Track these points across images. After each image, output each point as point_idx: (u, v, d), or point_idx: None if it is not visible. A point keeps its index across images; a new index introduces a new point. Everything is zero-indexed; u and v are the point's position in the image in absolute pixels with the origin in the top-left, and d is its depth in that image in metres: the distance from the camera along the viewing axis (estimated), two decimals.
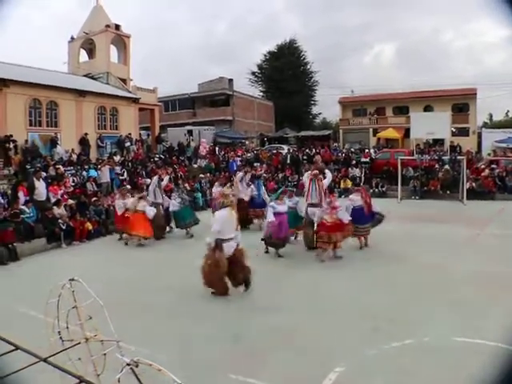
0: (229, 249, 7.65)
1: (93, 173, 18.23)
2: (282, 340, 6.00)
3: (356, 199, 11.34)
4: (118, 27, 29.86)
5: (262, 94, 51.23)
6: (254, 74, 52.55)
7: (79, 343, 2.69)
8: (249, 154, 29.73)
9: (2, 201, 13.25)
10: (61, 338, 2.80)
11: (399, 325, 6.30)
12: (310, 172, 14.18)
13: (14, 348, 2.39)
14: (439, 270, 8.91)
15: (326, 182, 11.69)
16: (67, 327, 2.88)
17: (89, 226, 13.76)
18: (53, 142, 20.45)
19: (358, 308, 7.03)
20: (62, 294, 2.90)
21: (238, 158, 27.53)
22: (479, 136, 34.56)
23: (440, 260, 9.61)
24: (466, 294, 7.37)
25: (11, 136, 18.43)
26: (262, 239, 10.69)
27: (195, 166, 25.22)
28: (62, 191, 15.16)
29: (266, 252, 10.82)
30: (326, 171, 12.73)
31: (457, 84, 37.99)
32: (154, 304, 7.52)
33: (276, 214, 10.28)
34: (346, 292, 7.88)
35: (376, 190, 21.76)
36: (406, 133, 35.77)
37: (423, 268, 9.13)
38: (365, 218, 11.05)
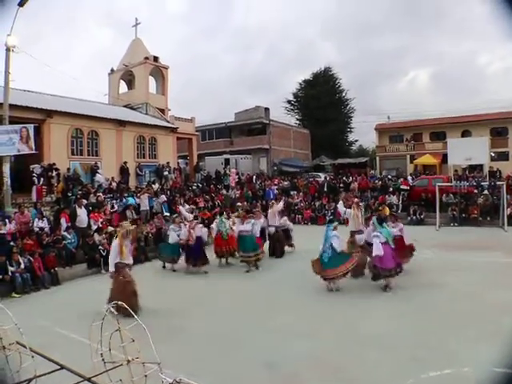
0: None
1: (131, 200, 18.30)
2: (320, 368, 5.81)
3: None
4: (156, 59, 30.63)
5: (298, 122, 51.31)
6: (289, 102, 52.85)
7: (121, 365, 2.80)
8: (285, 183, 29.53)
9: (46, 227, 13.38)
10: (103, 359, 2.90)
11: (437, 354, 6.00)
12: (344, 200, 14.04)
13: (59, 367, 2.45)
14: (478, 298, 8.46)
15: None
16: (110, 349, 2.98)
17: None
18: (93, 171, 20.76)
19: (395, 336, 6.80)
20: (106, 316, 2.96)
21: (275, 187, 27.37)
22: None
23: (479, 288, 9.15)
24: (506, 323, 6.85)
25: (54, 164, 18.85)
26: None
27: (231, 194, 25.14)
28: (102, 219, 15.22)
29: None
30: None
31: (494, 108, 36.87)
32: (191, 328, 7.49)
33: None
34: (383, 320, 7.60)
35: (414, 217, 21.20)
36: (444, 159, 35.02)
37: (462, 296, 8.73)
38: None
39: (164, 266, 13.37)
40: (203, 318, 7.98)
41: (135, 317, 3.07)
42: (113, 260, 8.55)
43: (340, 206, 12.19)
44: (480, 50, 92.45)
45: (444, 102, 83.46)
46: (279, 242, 14.24)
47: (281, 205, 15.67)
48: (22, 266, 10.95)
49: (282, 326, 7.45)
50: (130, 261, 8.93)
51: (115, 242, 8.57)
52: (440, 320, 7.39)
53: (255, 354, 6.33)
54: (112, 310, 3.25)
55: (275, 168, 38.57)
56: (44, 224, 13.55)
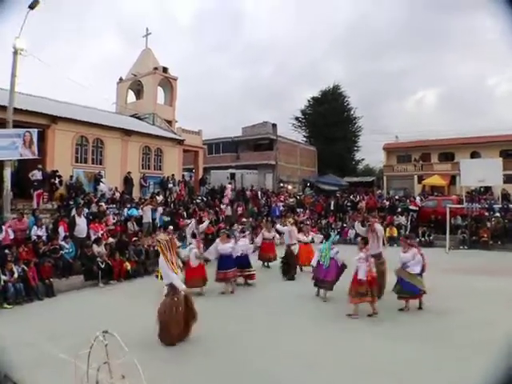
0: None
1: (134, 212, 17.83)
2: None
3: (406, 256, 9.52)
4: (165, 70, 30.49)
5: (305, 139, 51.07)
6: (297, 119, 52.69)
7: None
8: (291, 200, 29.07)
9: (42, 235, 12.93)
10: None
11: None
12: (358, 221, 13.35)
13: None
14: (492, 326, 7.77)
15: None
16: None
17: (127, 265, 13.27)
18: (97, 179, 20.35)
19: (405, 368, 6.12)
20: (93, 345, 2.74)
21: (281, 204, 26.91)
22: None
23: (493, 316, 8.50)
24: None
25: (57, 171, 18.46)
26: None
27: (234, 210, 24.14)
28: (102, 230, 14.72)
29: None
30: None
31: (504, 129, 36.68)
32: (191, 351, 6.92)
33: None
34: (391, 348, 6.94)
35: (423, 239, 20.72)
36: (452, 180, 34.72)
37: (475, 324, 8.06)
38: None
39: None
40: (203, 340, 7.35)
41: (125, 349, 2.61)
42: (175, 277, 7.31)
43: (357, 227, 11.49)
44: (488, 71, 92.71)
45: (452, 123, 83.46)
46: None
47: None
48: (16, 275, 10.40)
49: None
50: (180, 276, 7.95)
51: (161, 261, 7.44)
52: (452, 349, 6.75)
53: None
54: (101, 338, 2.84)
55: (308, 185, 38.17)
56: (42, 232, 13.08)
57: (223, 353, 6.81)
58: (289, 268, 13.00)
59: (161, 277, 11.51)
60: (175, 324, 7.12)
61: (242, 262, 11.83)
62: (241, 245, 11.92)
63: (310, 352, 6.80)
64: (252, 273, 12.11)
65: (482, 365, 5.81)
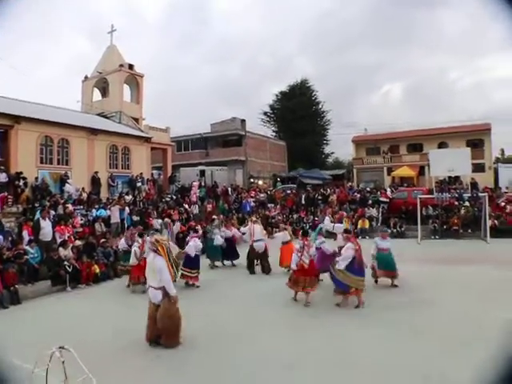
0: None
1: (103, 213, 17.59)
2: None
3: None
4: (131, 67, 30.10)
5: (274, 134, 51.23)
6: (266, 114, 52.83)
7: None
8: (262, 195, 29.10)
9: (2, 240, 12.60)
10: None
11: (435, 383, 5.50)
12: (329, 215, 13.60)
13: None
14: (470, 317, 7.93)
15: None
16: None
17: (96, 268, 13.02)
18: (63, 180, 19.95)
19: (388, 364, 6.10)
20: (49, 365, 2.72)
21: (252, 199, 26.91)
22: (495, 171, 34.24)
23: (469, 306, 8.68)
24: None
25: (21, 173, 18.03)
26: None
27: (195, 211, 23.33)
28: (69, 232, 14.45)
29: None
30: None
31: (467, 121, 37.76)
32: (163, 356, 6.75)
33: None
34: (372, 344, 6.92)
35: (394, 230, 20.99)
36: (421, 170, 35.46)
37: (452, 316, 8.14)
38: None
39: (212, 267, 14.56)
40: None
41: (84, 369, 2.60)
42: (171, 282, 7.13)
43: (327, 221, 11.68)
44: (450, 65, 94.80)
45: (417, 116, 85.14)
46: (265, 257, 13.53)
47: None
48: None
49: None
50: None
51: (163, 263, 7.08)
52: (430, 343, 6.76)
53: None
54: (58, 354, 2.82)
55: (278, 179, 38.18)
56: (1, 237, 12.70)
57: (205, 349, 6.84)
58: (250, 263, 13.54)
59: (133, 283, 11.66)
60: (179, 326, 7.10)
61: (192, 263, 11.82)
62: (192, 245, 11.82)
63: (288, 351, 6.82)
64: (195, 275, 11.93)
65: (466, 357, 6.06)
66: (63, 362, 2.63)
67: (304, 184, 33.99)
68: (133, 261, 11.56)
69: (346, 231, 10.42)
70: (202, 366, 6.37)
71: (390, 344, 6.89)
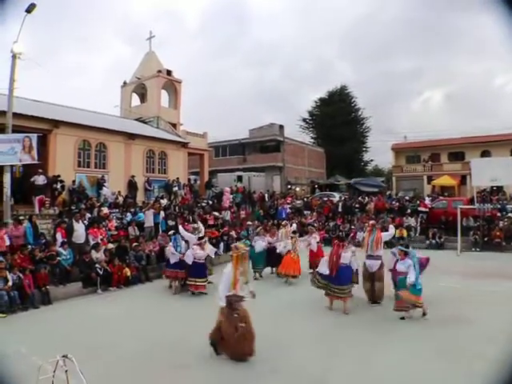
0: None
1: (141, 216, 17.57)
2: None
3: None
4: (169, 73, 30.34)
5: (312, 140, 50.71)
6: (304, 120, 52.41)
7: None
8: (298, 202, 28.65)
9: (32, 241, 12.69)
10: None
11: None
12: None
13: None
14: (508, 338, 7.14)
15: (387, 235, 10.46)
16: None
17: (127, 271, 12.93)
18: (100, 184, 20.13)
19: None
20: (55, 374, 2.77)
21: (288, 206, 26.50)
22: None
23: (509, 325, 7.89)
24: None
25: (59, 176, 18.25)
26: None
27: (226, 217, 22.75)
28: (102, 235, 14.41)
29: None
30: (390, 226, 11.44)
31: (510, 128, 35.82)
32: (190, 365, 6.49)
33: None
34: (400, 362, 6.48)
35: (433, 241, 20.27)
36: (463, 180, 34.11)
37: (492, 334, 7.46)
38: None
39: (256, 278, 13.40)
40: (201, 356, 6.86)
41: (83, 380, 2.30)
42: (223, 291, 6.77)
43: (391, 229, 11.13)
44: (496, 70, 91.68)
45: (460, 123, 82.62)
46: None
47: (294, 226, 15.15)
48: (10, 283, 10.13)
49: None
50: (244, 292, 7.00)
51: (228, 269, 6.86)
52: (468, 363, 6.23)
53: None
54: (61, 363, 2.58)
55: (316, 186, 37.85)
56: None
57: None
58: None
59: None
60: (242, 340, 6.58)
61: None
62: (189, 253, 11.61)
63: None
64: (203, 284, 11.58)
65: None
66: (66, 371, 2.64)
67: (359, 191, 33.67)
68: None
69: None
70: (230, 378, 6.07)
71: (416, 362, 6.44)
